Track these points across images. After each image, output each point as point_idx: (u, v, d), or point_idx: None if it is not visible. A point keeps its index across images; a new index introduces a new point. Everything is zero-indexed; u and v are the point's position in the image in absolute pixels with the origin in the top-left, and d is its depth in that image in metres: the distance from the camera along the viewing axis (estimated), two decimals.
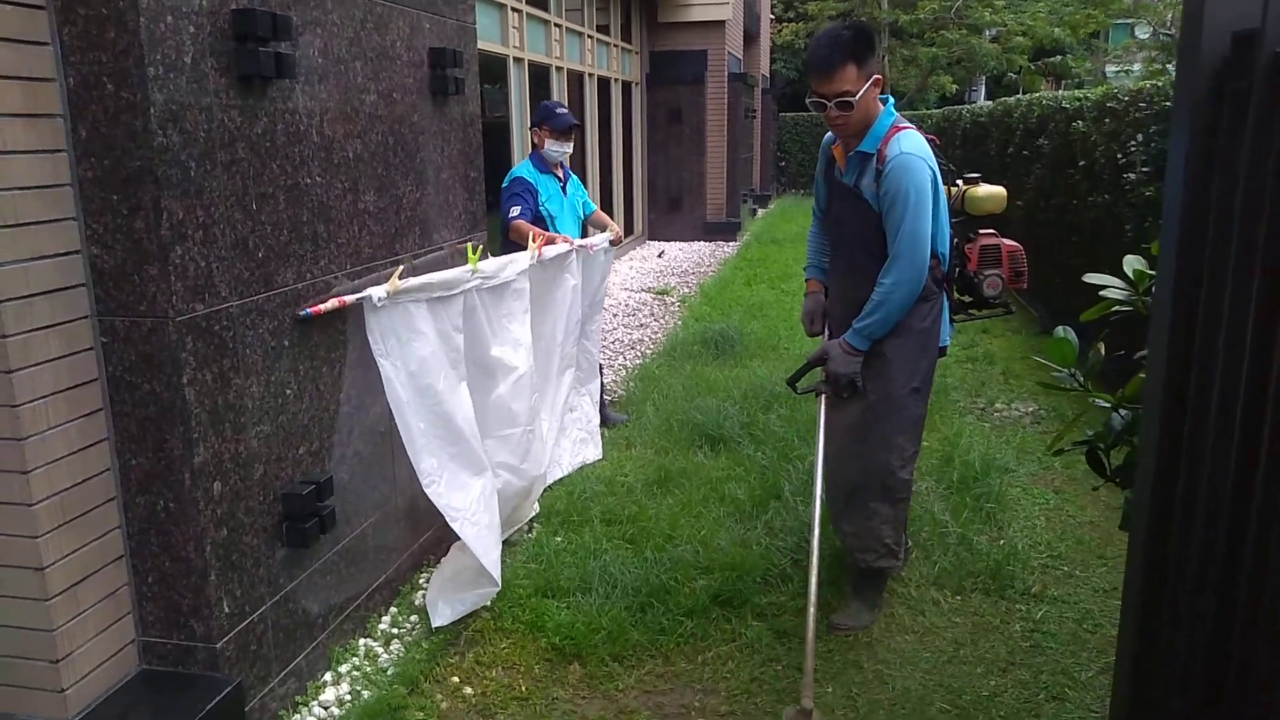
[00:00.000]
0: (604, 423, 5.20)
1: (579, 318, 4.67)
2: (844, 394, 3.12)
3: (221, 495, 2.45)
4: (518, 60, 8.58)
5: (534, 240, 4.12)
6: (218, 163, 2.38)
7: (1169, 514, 1.73)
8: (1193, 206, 1.62)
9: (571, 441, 4.80)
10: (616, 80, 12.35)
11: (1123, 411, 2.15)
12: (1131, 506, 1.91)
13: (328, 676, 2.95)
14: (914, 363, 3.06)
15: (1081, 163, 6.66)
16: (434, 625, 3.25)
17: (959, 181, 3.34)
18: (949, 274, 3.19)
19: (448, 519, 3.26)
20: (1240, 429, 1.50)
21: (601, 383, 5.31)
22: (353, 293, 3.04)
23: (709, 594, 3.35)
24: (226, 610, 2.48)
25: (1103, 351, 2.22)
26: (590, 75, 11.09)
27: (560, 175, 4.96)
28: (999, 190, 3.37)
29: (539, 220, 4.75)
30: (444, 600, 3.33)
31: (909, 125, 3.02)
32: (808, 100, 3.03)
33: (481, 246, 3.60)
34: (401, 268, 3.19)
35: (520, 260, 3.87)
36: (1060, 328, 2.26)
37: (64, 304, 2.24)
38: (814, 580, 2.87)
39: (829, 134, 3.22)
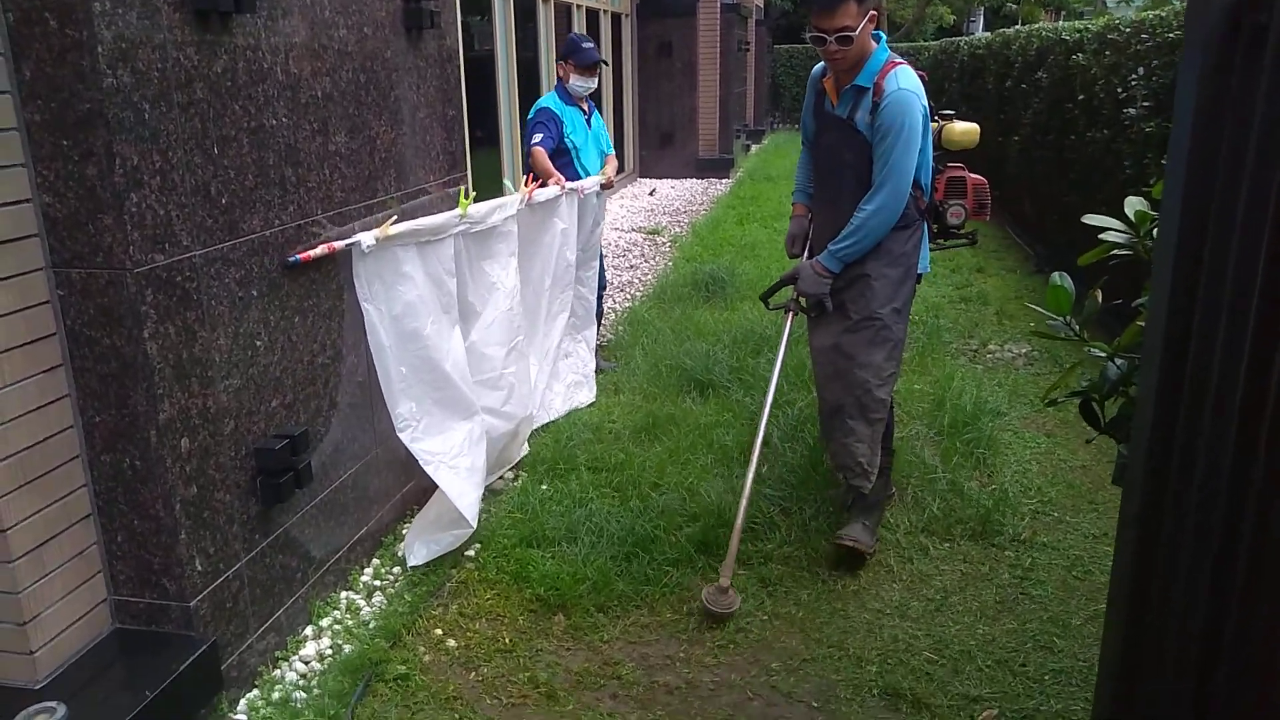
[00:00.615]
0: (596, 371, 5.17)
1: (570, 262, 4.62)
2: (811, 313, 3.31)
3: (190, 451, 2.37)
4: None
5: (528, 186, 4.15)
6: (174, 104, 2.26)
7: (1166, 470, 1.67)
8: (1201, 149, 1.52)
9: (565, 385, 4.78)
10: (606, 12, 12.02)
11: (1119, 361, 2.08)
12: (1126, 460, 1.85)
13: (308, 631, 2.91)
14: (895, 285, 3.19)
15: (1081, 97, 6.50)
16: (409, 565, 3.28)
17: (936, 117, 3.43)
18: (929, 204, 3.32)
19: (422, 463, 3.28)
20: (1245, 383, 1.42)
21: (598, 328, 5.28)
22: (340, 239, 2.98)
23: (694, 543, 3.31)
24: (199, 568, 2.43)
25: (1100, 299, 2.14)
26: (579, 7, 10.79)
27: (585, 109, 5.05)
28: (973, 126, 3.50)
29: (562, 150, 4.83)
30: (420, 541, 3.35)
31: (902, 61, 3.11)
32: (806, 35, 3.13)
33: (474, 193, 3.53)
34: (394, 215, 3.11)
35: (509, 204, 3.89)
36: (1056, 273, 2.17)
37: (16, 255, 2.13)
38: (751, 471, 3.18)
39: (817, 67, 3.35)
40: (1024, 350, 5.44)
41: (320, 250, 2.88)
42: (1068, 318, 2.13)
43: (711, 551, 3.30)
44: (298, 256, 2.80)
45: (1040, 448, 4.17)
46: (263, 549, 2.69)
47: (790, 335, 3.57)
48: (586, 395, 4.87)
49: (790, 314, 3.42)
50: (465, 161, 3.97)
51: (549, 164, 4.66)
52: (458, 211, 3.45)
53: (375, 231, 3.02)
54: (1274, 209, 1.33)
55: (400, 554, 3.36)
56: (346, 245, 2.98)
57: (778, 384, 3.50)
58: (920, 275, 3.35)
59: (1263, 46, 1.34)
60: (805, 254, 3.47)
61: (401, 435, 3.23)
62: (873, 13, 3.01)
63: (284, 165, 2.70)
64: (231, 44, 2.45)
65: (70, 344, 2.25)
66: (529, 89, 9.20)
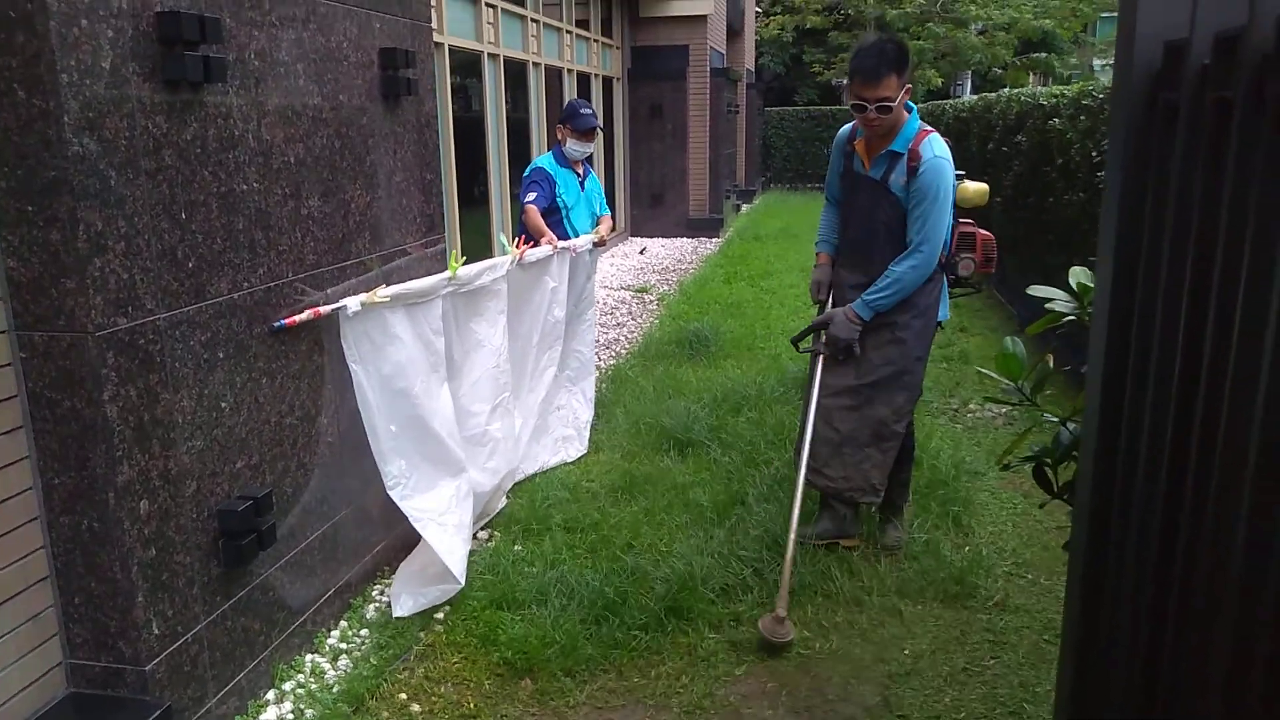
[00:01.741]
0: None
1: (558, 319, 4.71)
2: (840, 356, 3.50)
3: (149, 514, 2.37)
4: (493, 56, 8.49)
5: (519, 246, 4.30)
6: (141, 170, 2.30)
7: (1106, 532, 1.68)
8: (1128, 219, 1.56)
9: (553, 439, 4.83)
10: (597, 76, 12.26)
11: (1071, 426, 2.09)
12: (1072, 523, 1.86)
13: (270, 695, 2.88)
14: (919, 334, 3.49)
15: (1058, 160, 6.61)
16: (394, 615, 3.33)
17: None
18: (947, 258, 3.58)
19: (412, 520, 3.33)
20: (1170, 445, 1.44)
21: None
22: (325, 303, 3.06)
23: (664, 606, 3.28)
24: (156, 631, 2.41)
25: (1050, 364, 2.17)
26: (569, 71, 11.00)
27: (580, 172, 5.17)
28: (983, 186, 3.82)
29: (554, 209, 4.96)
30: (407, 593, 3.38)
31: (932, 129, 3.41)
32: (849, 103, 3.38)
33: (465, 257, 3.64)
34: (381, 282, 3.19)
35: (500, 265, 4.02)
36: (1009, 339, 2.20)
37: None
38: (796, 509, 3.36)
39: (843, 130, 3.63)
40: (1004, 410, 5.45)
41: (306, 315, 2.96)
42: (1020, 383, 2.15)
43: (682, 615, 3.27)
44: (283, 321, 2.88)
45: (1017, 508, 4.16)
46: (224, 611, 2.67)
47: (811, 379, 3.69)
48: (577, 448, 4.92)
49: (819, 357, 3.60)
50: (443, 224, 4.02)
51: (541, 221, 4.80)
52: (447, 274, 3.54)
53: (362, 296, 3.11)
54: (1190, 275, 1.37)
55: (369, 617, 3.33)
56: (333, 310, 3.05)
57: (811, 427, 3.57)
58: (940, 323, 3.61)
59: (1174, 122, 1.38)
60: (830, 301, 3.67)
61: (392, 493, 3.30)
62: (908, 85, 3.32)
63: (254, 229, 2.74)
64: (202, 112, 2.51)
65: (31, 406, 2.26)
66: (519, 151, 9.35)
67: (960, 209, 3.67)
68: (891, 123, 3.33)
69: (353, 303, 3.06)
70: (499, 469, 4.07)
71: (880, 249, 3.44)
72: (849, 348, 3.46)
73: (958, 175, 3.66)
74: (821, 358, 3.57)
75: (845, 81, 3.37)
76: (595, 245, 5.07)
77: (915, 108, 3.42)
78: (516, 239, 4.44)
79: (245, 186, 2.70)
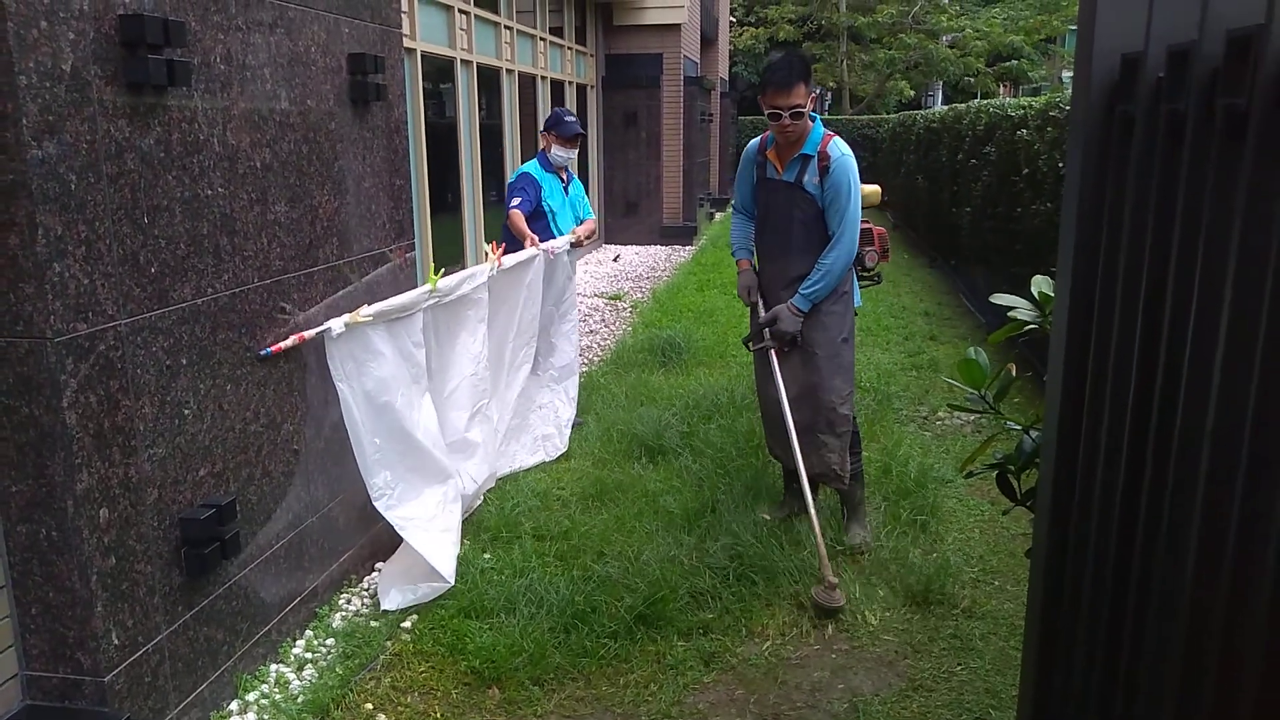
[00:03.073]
0: None
1: (534, 315, 4.79)
2: (786, 347, 3.81)
3: (109, 522, 2.34)
4: (465, 63, 8.47)
5: (496, 252, 4.40)
6: (103, 175, 2.28)
7: (1065, 538, 1.69)
8: (1086, 228, 1.58)
9: (533, 437, 4.92)
10: (571, 83, 12.26)
11: (1034, 434, 2.11)
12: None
13: (234, 705, 2.84)
14: (841, 318, 3.77)
15: (1025, 170, 6.68)
16: (383, 608, 3.39)
17: None
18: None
19: (398, 529, 3.41)
20: (1127, 451, 1.46)
21: None
22: (308, 324, 3.13)
23: (634, 614, 3.28)
24: (116, 641, 2.37)
25: (1013, 373, 2.19)
26: (543, 78, 11.00)
27: (564, 177, 5.31)
28: (875, 188, 4.22)
29: (540, 214, 5.10)
30: (397, 588, 3.46)
31: (834, 133, 3.74)
32: (765, 112, 3.64)
33: (444, 270, 3.70)
34: (366, 306, 3.27)
35: (480, 273, 4.12)
36: (972, 348, 2.22)
37: None
38: (805, 484, 3.67)
39: (752, 143, 3.94)
40: (972, 418, 5.49)
41: (291, 341, 3.02)
42: (983, 390, 2.17)
43: (651, 623, 3.27)
44: (269, 349, 2.93)
45: (984, 515, 4.19)
46: (186, 621, 2.63)
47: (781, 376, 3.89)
48: (557, 446, 4.98)
49: (771, 352, 3.86)
50: (414, 229, 4.00)
51: (524, 225, 4.94)
52: (427, 287, 3.61)
53: (345, 317, 3.17)
54: (1146, 286, 1.38)
55: (336, 626, 3.30)
56: (317, 333, 3.11)
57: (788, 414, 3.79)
58: (856, 309, 3.91)
59: (1131, 134, 1.40)
60: (760, 300, 3.93)
61: (377, 504, 3.37)
62: (814, 94, 3.70)
63: (219, 234, 2.71)
64: (166, 116, 2.48)
65: None
66: (493, 157, 9.33)
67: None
68: (803, 129, 3.62)
69: (337, 324, 3.14)
70: (479, 474, 4.15)
71: (797, 244, 3.73)
72: (794, 339, 3.77)
73: None
74: (774, 352, 3.85)
75: (760, 94, 3.67)
76: (573, 246, 5.15)
77: (819, 117, 3.77)
78: (494, 244, 4.48)
79: (210, 191, 2.67)
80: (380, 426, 3.34)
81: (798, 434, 3.76)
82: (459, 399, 4.05)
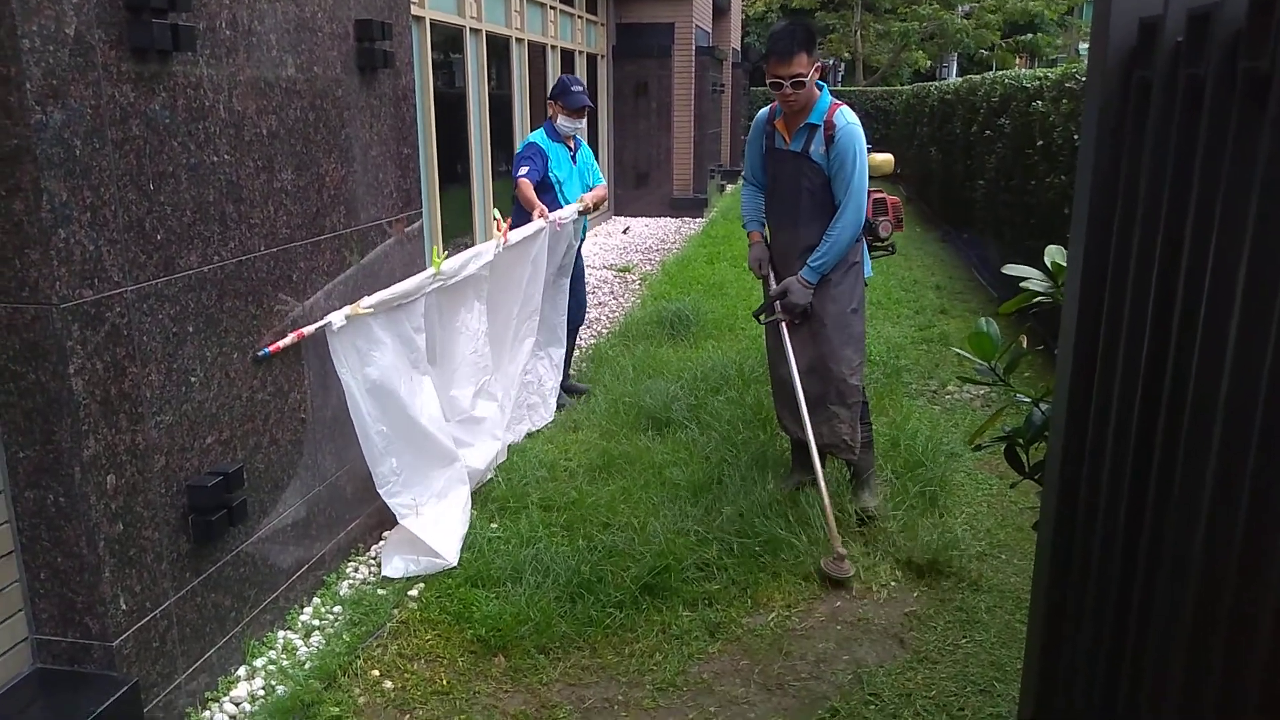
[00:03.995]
0: (570, 393, 5.40)
1: (539, 289, 4.76)
2: (797, 320, 3.80)
3: (116, 489, 2.35)
4: (475, 31, 8.39)
5: (500, 229, 4.35)
6: (108, 140, 2.26)
7: (1074, 511, 1.68)
8: (1100, 196, 1.55)
9: (521, 408, 4.87)
10: (581, 53, 12.15)
11: (1044, 407, 2.10)
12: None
13: (241, 671, 2.86)
14: (852, 289, 3.76)
15: (1040, 143, 6.60)
16: (384, 576, 3.43)
17: None
18: (867, 221, 3.87)
19: (399, 517, 3.44)
20: (1138, 423, 1.44)
21: (569, 352, 5.47)
22: (308, 323, 3.12)
23: (639, 584, 3.28)
24: (124, 606, 2.39)
25: (1025, 344, 2.16)
26: (553, 47, 10.90)
27: (571, 145, 5.25)
28: (889, 156, 4.36)
29: (547, 185, 5.03)
30: (400, 556, 3.48)
31: (842, 103, 3.68)
32: (767, 81, 3.64)
33: (446, 252, 3.70)
34: (367, 298, 3.27)
35: (485, 252, 4.09)
36: (983, 319, 2.20)
37: None
38: (814, 454, 3.71)
39: (761, 113, 3.89)
40: (981, 392, 5.47)
41: (290, 339, 3.01)
42: (993, 363, 2.15)
43: (656, 593, 3.27)
44: (267, 350, 2.92)
45: (992, 489, 4.18)
46: (194, 587, 2.65)
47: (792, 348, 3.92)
48: (543, 416, 5.00)
49: (782, 325, 3.87)
50: (420, 199, 3.98)
51: (532, 194, 4.89)
52: (430, 271, 3.59)
53: (346, 310, 3.17)
54: (1160, 257, 1.36)
55: (343, 594, 3.32)
56: (317, 329, 3.11)
57: (799, 384, 3.83)
58: (866, 279, 3.88)
59: (1148, 100, 1.37)
60: (772, 272, 3.92)
61: (381, 491, 3.40)
62: (818, 64, 3.62)
63: (225, 201, 2.70)
64: (171, 81, 2.46)
65: None
66: (502, 127, 9.27)
67: (872, 177, 3.96)
68: (806, 98, 3.60)
69: (337, 318, 3.13)
70: (488, 450, 4.16)
71: (806, 215, 3.72)
72: (804, 310, 3.76)
73: (867, 147, 3.95)
74: (784, 324, 3.86)
75: (763, 63, 3.68)
76: (581, 213, 5.09)
77: (826, 85, 3.71)
78: (499, 220, 4.46)
79: (216, 158, 2.66)
80: (385, 415, 3.35)
81: (808, 406, 3.77)
82: (462, 377, 4.07)
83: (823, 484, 3.64)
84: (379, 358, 3.29)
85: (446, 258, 3.71)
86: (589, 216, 5.29)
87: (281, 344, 2.98)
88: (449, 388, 3.99)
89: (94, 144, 2.22)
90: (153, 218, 2.42)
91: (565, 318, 5.20)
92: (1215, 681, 1.20)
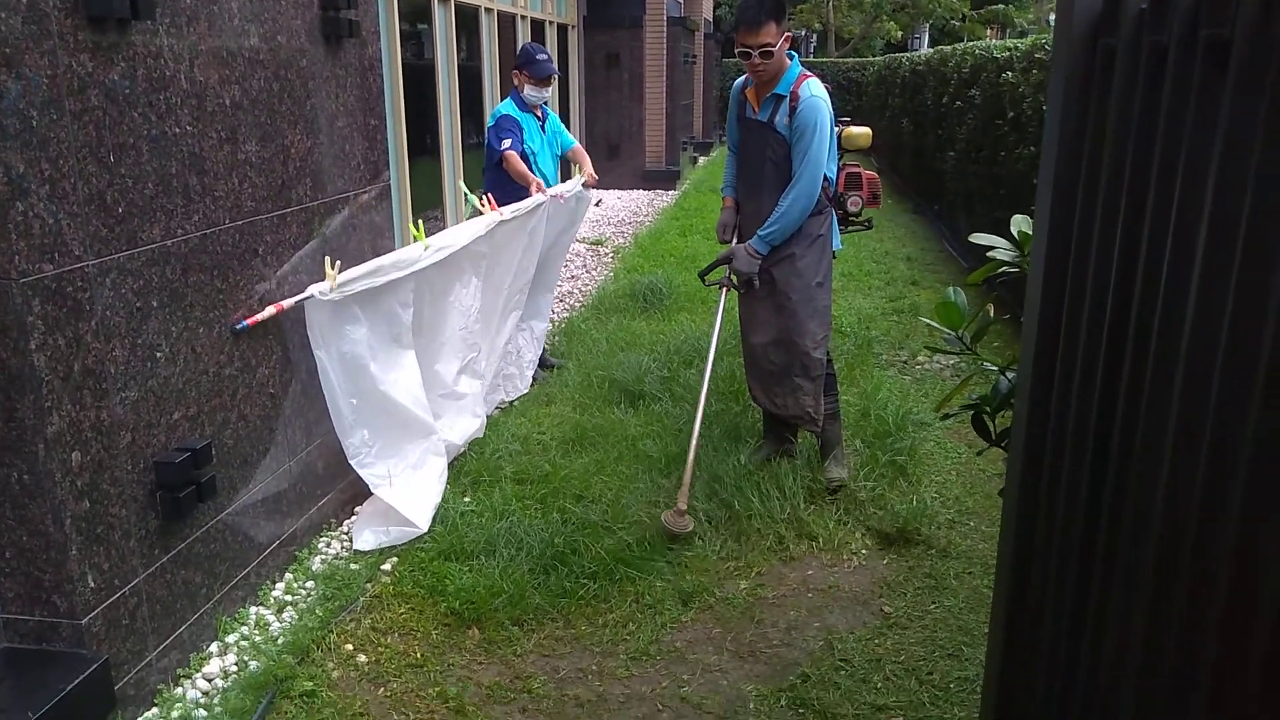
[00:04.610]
0: (543, 367, 5.37)
1: (531, 264, 4.74)
2: (741, 289, 3.83)
3: (82, 465, 2.32)
4: (443, 1, 8.27)
5: (489, 206, 4.28)
6: (66, 111, 2.21)
7: (1038, 477, 1.70)
8: (1065, 164, 1.56)
9: (497, 378, 4.87)
10: (551, 23, 12.02)
11: (1010, 375, 2.12)
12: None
13: (214, 647, 2.86)
14: (817, 262, 3.75)
15: (1010, 114, 6.63)
16: (356, 549, 3.42)
17: (837, 123, 3.92)
18: (833, 194, 3.87)
19: (372, 487, 3.44)
20: (1101, 387, 1.46)
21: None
22: (287, 296, 3.10)
23: (613, 556, 3.30)
24: (92, 584, 2.37)
25: (992, 313, 2.18)
26: (523, 17, 10.77)
27: (539, 115, 5.16)
28: (866, 130, 4.10)
29: (522, 157, 4.90)
30: (370, 529, 3.48)
31: (811, 74, 3.68)
32: (736, 50, 3.62)
33: (423, 224, 3.67)
34: (353, 269, 3.26)
35: (478, 225, 4.06)
36: (951, 289, 2.21)
37: None
38: (699, 416, 3.78)
39: (738, 81, 3.89)
40: (951, 362, 5.52)
41: (269, 312, 2.99)
42: (960, 332, 2.17)
43: (630, 564, 3.29)
44: (245, 323, 2.90)
45: (961, 458, 4.23)
46: (163, 564, 2.63)
47: (723, 318, 4.09)
48: (518, 387, 5.00)
49: (725, 289, 3.95)
50: (389, 171, 3.93)
51: (524, 167, 4.80)
52: (419, 246, 3.58)
53: (326, 283, 3.14)
54: (1123, 225, 1.37)
55: (315, 569, 3.31)
56: (296, 302, 3.10)
57: (715, 355, 4.03)
58: (835, 252, 3.88)
59: (1112, 67, 1.38)
60: (735, 239, 3.91)
61: (353, 462, 3.40)
62: (788, 34, 3.61)
63: (188, 174, 2.66)
64: (130, 51, 2.41)
65: None
66: (472, 99, 9.16)
67: (849, 150, 4.03)
68: (775, 68, 3.58)
69: (320, 288, 3.11)
70: (467, 427, 4.17)
71: (769, 185, 3.70)
72: (749, 280, 3.75)
73: (843, 120, 4.00)
74: (730, 292, 3.92)
75: (734, 32, 3.67)
76: (585, 186, 5.05)
77: (796, 56, 3.71)
78: (483, 194, 4.41)
79: (178, 129, 2.61)
80: (357, 388, 3.33)
81: (770, 378, 3.82)
82: (449, 353, 4.05)
83: (694, 442, 3.69)
84: (353, 332, 3.27)
85: (425, 231, 3.68)
86: (588, 190, 5.23)
87: (259, 317, 2.95)
88: (434, 362, 3.96)
89: (51, 115, 2.17)
90: (114, 190, 2.38)
91: (552, 295, 5.19)
92: (1175, 639, 1.23)
